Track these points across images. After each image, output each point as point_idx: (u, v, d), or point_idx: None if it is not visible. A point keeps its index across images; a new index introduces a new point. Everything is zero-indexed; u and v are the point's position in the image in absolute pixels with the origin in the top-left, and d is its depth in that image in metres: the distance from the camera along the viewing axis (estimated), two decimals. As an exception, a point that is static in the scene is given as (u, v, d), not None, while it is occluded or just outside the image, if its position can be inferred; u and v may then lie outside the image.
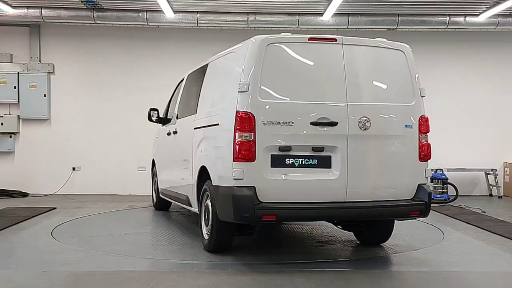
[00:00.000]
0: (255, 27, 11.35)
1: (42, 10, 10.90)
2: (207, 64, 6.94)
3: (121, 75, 12.06)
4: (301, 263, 5.77)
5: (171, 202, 8.99)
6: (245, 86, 5.41)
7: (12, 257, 6.15)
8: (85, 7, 10.84)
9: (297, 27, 11.26)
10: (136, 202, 10.45)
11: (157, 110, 8.68)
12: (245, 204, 5.29)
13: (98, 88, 12.10)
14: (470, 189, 12.15)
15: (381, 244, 6.65)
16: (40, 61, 12.03)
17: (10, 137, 12.01)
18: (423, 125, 5.86)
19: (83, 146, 11.99)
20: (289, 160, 5.45)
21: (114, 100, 11.96)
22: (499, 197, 11.81)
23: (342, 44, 5.73)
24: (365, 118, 5.59)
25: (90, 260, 5.99)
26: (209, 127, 6.17)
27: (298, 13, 11.03)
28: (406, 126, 5.80)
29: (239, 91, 5.42)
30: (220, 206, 5.69)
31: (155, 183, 9.47)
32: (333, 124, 5.51)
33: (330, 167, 5.54)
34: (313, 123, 5.48)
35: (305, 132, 5.48)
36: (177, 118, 7.82)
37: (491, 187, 12.06)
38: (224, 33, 11.81)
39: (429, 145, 5.89)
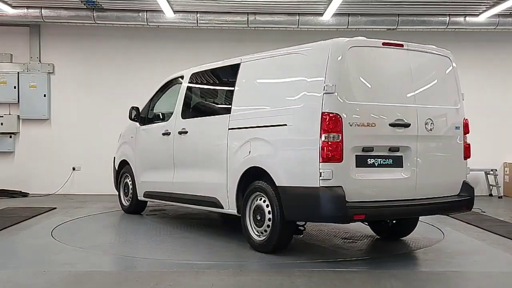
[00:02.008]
0: (255, 27, 11.36)
1: (42, 10, 10.90)
2: (238, 64, 6.80)
3: (121, 75, 12.07)
4: (301, 263, 5.77)
5: (145, 206, 8.94)
6: (332, 88, 5.47)
7: (12, 257, 6.14)
8: (85, 7, 10.84)
9: (297, 27, 11.27)
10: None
11: (138, 108, 8.58)
12: (337, 204, 5.39)
13: (98, 88, 12.10)
14: (470, 189, 12.13)
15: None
16: (40, 61, 12.03)
17: (10, 137, 12.01)
18: (466, 127, 6.39)
19: (83, 146, 11.99)
20: (371, 160, 5.67)
21: (114, 100, 11.95)
22: (499, 197, 11.81)
23: (408, 49, 6.05)
24: (429, 119, 5.98)
25: (90, 260, 5.99)
26: (267, 128, 6.08)
27: (298, 13, 11.04)
28: (456, 127, 6.30)
29: (324, 93, 5.48)
30: (292, 206, 5.74)
31: (126, 185, 9.09)
32: (407, 125, 5.81)
33: (402, 167, 5.84)
34: (391, 125, 5.74)
35: (384, 133, 5.72)
36: (182, 118, 7.61)
37: (491, 187, 12.06)
38: (224, 33, 11.83)
39: (469, 145, 6.42)
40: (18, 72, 11.93)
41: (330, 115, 5.43)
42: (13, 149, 12.08)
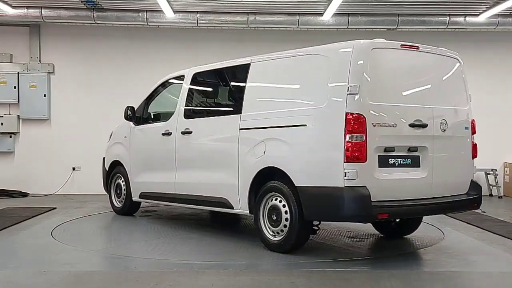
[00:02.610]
0: (255, 27, 11.36)
1: (42, 10, 10.90)
2: (248, 64, 6.78)
3: (121, 75, 12.07)
4: (301, 263, 5.77)
5: (138, 207, 8.83)
6: (356, 89, 5.52)
7: (12, 257, 6.14)
8: (85, 7, 10.84)
9: (297, 27, 11.27)
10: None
11: (133, 108, 8.48)
12: (363, 204, 5.45)
13: (98, 88, 12.11)
14: (470, 189, 12.13)
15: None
16: (40, 61, 12.04)
17: (10, 137, 12.02)
18: (473, 127, 6.55)
19: (83, 146, 11.98)
20: (391, 160, 5.78)
21: (114, 100, 11.94)
22: (499, 197, 11.81)
23: (422, 51, 6.15)
24: (444, 120, 6.11)
25: (90, 260, 6.00)
26: (284, 128, 6.09)
27: (298, 13, 11.04)
28: (465, 128, 6.45)
29: (348, 94, 5.53)
30: (312, 206, 5.78)
31: (118, 186, 8.94)
32: (424, 126, 5.94)
33: (419, 166, 5.97)
34: (410, 125, 5.85)
35: (404, 133, 5.83)
36: (185, 118, 7.53)
37: (491, 187, 12.06)
38: (224, 33, 11.83)
39: (476, 144, 6.54)
40: (18, 72, 11.93)
41: (355, 115, 5.49)
42: (13, 149, 12.08)
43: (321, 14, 10.92)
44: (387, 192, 5.63)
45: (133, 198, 8.59)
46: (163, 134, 7.81)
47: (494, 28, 11.33)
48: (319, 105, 5.77)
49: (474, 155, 6.52)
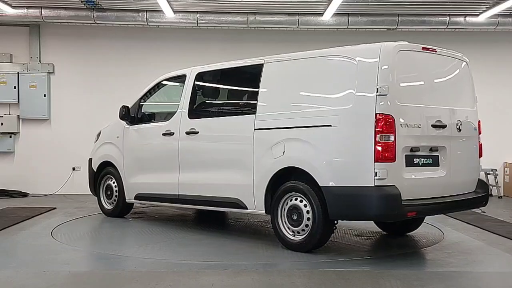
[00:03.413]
0: (255, 27, 11.36)
1: (42, 10, 10.90)
2: (261, 65, 6.78)
3: (121, 75, 12.05)
4: (301, 263, 5.77)
5: (130, 209, 8.72)
6: (385, 90, 5.64)
7: (12, 257, 6.14)
8: (85, 7, 10.84)
9: (297, 27, 11.27)
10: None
11: (128, 107, 8.38)
12: (394, 202, 5.59)
13: (98, 88, 12.10)
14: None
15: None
16: (40, 61, 12.04)
17: (10, 137, 12.02)
18: (479, 128, 6.75)
19: (83, 146, 11.90)
20: (416, 160, 5.95)
21: (114, 100, 11.88)
22: (499, 197, 11.81)
23: (439, 54, 6.34)
24: (459, 121, 6.32)
25: (90, 260, 6.01)
26: (306, 128, 6.14)
27: (298, 13, 11.03)
28: (474, 128, 6.65)
29: (378, 95, 5.65)
30: (339, 206, 5.86)
31: (108, 188, 8.78)
32: (444, 126, 6.13)
33: (439, 165, 6.15)
34: (433, 126, 6.04)
35: (427, 133, 6.02)
36: (189, 118, 7.46)
37: (491, 187, 12.04)
38: (224, 33, 11.84)
39: (481, 144, 6.77)
40: (18, 72, 11.93)
41: (384, 116, 5.62)
42: (13, 149, 12.08)
43: (321, 14, 10.92)
44: (413, 191, 5.78)
45: (126, 200, 8.46)
46: (163, 134, 7.74)
47: (494, 28, 11.33)
48: (345, 106, 5.85)
49: (481, 155, 6.74)
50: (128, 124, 8.45)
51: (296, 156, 6.21)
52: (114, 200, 8.70)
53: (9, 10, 10.78)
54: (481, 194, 6.59)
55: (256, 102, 6.69)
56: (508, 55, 12.32)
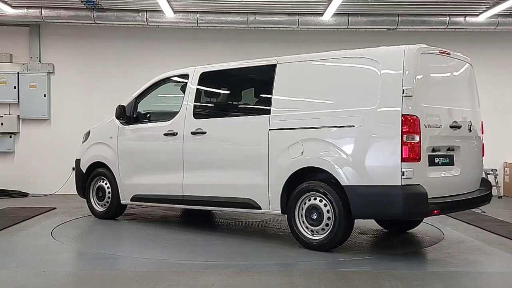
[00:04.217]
0: (255, 27, 11.36)
1: (42, 10, 10.90)
2: (274, 65, 6.79)
3: (121, 75, 12.04)
4: (301, 262, 5.77)
5: (124, 210, 8.56)
6: (411, 91, 5.78)
7: (12, 257, 6.14)
8: (85, 7, 10.84)
9: (297, 27, 11.27)
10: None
11: (124, 107, 8.24)
12: (421, 201, 5.74)
13: (98, 88, 12.10)
14: (470, 189, 12.13)
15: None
16: (40, 61, 12.04)
17: (10, 137, 12.02)
18: (482, 128, 6.95)
19: (83, 146, 11.96)
20: (437, 159, 6.13)
21: (114, 100, 11.78)
22: (499, 197, 11.80)
23: (451, 57, 6.57)
24: (470, 121, 6.53)
25: (90, 260, 6.00)
26: (327, 129, 6.20)
27: (298, 13, 11.03)
28: (479, 128, 6.85)
29: (404, 96, 5.78)
30: (363, 205, 5.97)
31: (99, 189, 8.54)
32: (459, 127, 6.32)
33: (454, 165, 6.35)
34: (450, 126, 6.22)
35: (446, 134, 6.20)
36: (195, 118, 7.37)
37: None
38: (224, 33, 11.83)
39: (484, 144, 6.96)
40: (18, 72, 11.93)
41: (411, 117, 5.76)
42: (13, 149, 12.08)
43: (321, 14, 10.92)
44: (435, 189, 5.91)
45: (121, 201, 8.28)
46: (165, 134, 7.63)
47: (494, 28, 11.32)
48: (369, 107, 5.93)
49: (483, 154, 6.96)
50: (123, 124, 8.29)
51: (315, 156, 6.25)
52: (107, 202, 8.48)
53: (9, 10, 10.78)
54: (486, 192, 6.78)
55: (270, 102, 6.70)
56: (508, 55, 12.32)
